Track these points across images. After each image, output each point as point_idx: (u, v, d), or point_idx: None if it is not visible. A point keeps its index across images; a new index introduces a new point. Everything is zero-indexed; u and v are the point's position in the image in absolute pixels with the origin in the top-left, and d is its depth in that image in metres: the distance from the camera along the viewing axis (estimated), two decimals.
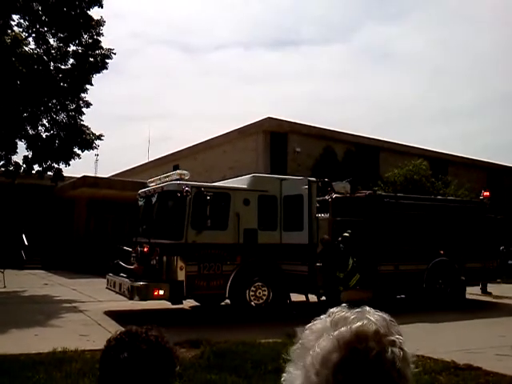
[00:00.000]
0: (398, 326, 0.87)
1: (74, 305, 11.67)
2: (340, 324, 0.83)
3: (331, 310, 0.90)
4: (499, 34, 67.81)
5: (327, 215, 11.39)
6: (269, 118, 23.75)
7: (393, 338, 0.82)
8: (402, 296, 13.24)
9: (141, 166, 34.15)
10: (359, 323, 0.82)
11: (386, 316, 0.87)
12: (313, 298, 10.89)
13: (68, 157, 16.11)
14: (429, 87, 69.51)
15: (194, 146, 28.29)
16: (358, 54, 73.71)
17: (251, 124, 24.11)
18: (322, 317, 0.89)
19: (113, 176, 31.83)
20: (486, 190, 15.11)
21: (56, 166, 16.18)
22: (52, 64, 15.90)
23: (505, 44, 69.25)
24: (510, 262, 19.36)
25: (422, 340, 7.47)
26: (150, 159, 33.82)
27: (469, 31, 69.77)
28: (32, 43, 15.80)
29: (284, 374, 0.87)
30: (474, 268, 12.79)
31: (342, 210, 11.62)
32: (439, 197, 16.73)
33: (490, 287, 14.47)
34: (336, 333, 0.81)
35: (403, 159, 23.93)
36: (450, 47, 67.81)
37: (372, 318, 0.84)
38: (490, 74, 67.86)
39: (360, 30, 72.23)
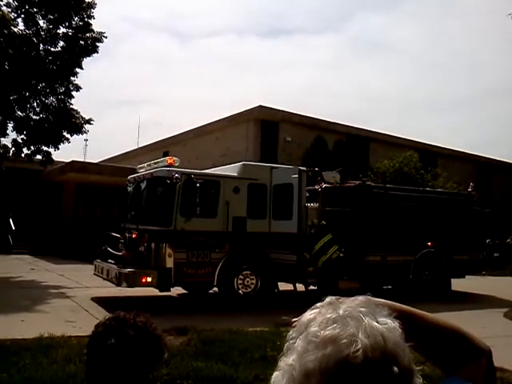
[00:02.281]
0: (402, 339, 0.73)
1: (61, 290, 11.61)
2: (328, 339, 0.71)
3: (326, 302, 0.80)
4: (491, 29, 67.95)
5: (316, 205, 11.42)
6: (260, 106, 23.67)
7: (395, 368, 0.69)
8: (389, 287, 13.34)
9: (131, 151, 33.93)
10: (347, 344, 0.69)
11: (388, 327, 0.73)
12: (301, 287, 10.95)
13: (57, 140, 15.93)
14: (420, 78, 69.61)
15: (184, 132, 28.14)
16: (351, 44, 73.68)
17: (243, 112, 24.01)
18: (318, 308, 0.79)
19: (102, 161, 31.58)
20: (473, 183, 15.24)
21: (45, 149, 16.01)
22: (41, 46, 15.65)
23: (495, 39, 69.41)
24: (495, 254, 19.60)
25: None
26: (140, 145, 33.64)
27: (461, 24, 69.84)
28: (21, 24, 15.52)
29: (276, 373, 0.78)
30: (461, 260, 12.90)
31: (332, 200, 11.65)
32: (428, 189, 16.84)
33: (475, 279, 14.64)
34: (320, 355, 0.69)
35: (393, 150, 24.02)
36: (442, 39, 67.83)
37: (366, 334, 0.70)
38: (480, 68, 68.09)
39: (353, 20, 72.03)
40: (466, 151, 31.04)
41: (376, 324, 0.72)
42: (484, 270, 15.75)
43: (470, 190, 14.68)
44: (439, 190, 17.76)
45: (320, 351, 0.70)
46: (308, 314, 0.79)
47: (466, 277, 13.21)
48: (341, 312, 0.75)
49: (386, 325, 0.74)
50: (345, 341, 0.69)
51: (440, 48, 69.86)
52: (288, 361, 0.74)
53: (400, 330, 0.75)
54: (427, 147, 28.28)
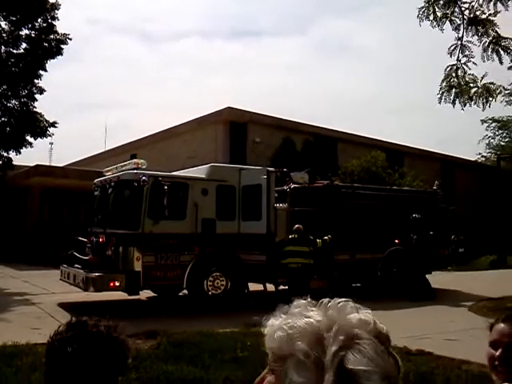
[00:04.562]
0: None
1: (25, 297, 11.32)
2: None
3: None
4: (452, 33, 69.50)
5: (285, 205, 11.49)
6: (229, 107, 23.64)
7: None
8: (358, 285, 13.52)
9: (98, 155, 33.36)
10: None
11: None
12: (271, 287, 10.99)
13: (19, 145, 15.57)
14: (384, 81, 70.89)
15: (152, 135, 27.85)
16: (317, 47, 74.43)
17: (211, 113, 23.93)
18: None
19: (69, 165, 30.98)
20: (439, 181, 15.60)
21: (5, 154, 15.60)
22: (3, 48, 15.27)
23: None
24: (460, 250, 20.06)
25: None
26: (108, 148, 33.13)
27: (423, 28, 71.26)
28: None
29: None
30: (438, 256, 13.18)
31: (300, 200, 11.74)
32: (395, 187, 17.14)
33: (441, 275, 14.98)
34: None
35: (361, 150, 24.34)
36: (405, 43, 69.25)
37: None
38: (439, 71, 69.60)
39: (319, 23, 72.81)
40: (430, 150, 31.74)
41: None
42: (450, 265, 16.11)
43: (435, 187, 15.03)
44: (406, 188, 18.10)
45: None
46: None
47: (433, 272, 13.49)
48: None
49: None
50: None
51: (402, 51, 71.36)
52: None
53: None
54: (394, 147, 28.76)
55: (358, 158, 23.06)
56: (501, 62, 8.57)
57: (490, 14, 8.29)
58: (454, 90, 9.00)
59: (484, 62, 8.62)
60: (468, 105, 9.02)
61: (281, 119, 24.99)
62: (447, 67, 9.02)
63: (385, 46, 70.35)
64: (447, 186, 21.83)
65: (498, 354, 1.70)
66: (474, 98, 8.90)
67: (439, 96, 9.22)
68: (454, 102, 9.13)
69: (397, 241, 12.74)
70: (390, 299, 11.33)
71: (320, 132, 26.24)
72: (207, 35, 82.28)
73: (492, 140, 37.44)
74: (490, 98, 8.86)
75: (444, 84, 9.08)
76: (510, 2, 7.99)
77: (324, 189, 12.44)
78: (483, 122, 36.42)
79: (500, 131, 37.10)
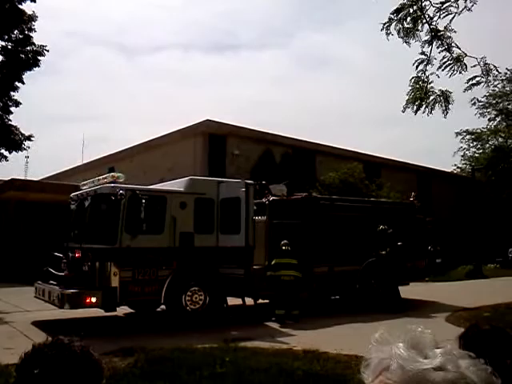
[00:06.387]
0: None
1: None
2: None
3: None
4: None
5: (264, 218, 11.48)
6: (208, 120, 23.63)
7: None
8: (337, 297, 13.55)
9: (74, 168, 32.94)
10: None
11: None
12: (250, 301, 10.93)
13: None
14: (364, 93, 71.91)
15: (130, 147, 27.65)
16: (296, 60, 75.18)
17: (190, 126, 23.89)
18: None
19: (45, 179, 30.51)
20: (415, 192, 15.79)
21: None
22: None
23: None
24: (437, 260, 20.32)
25: (353, 339, 7.66)
26: (85, 161, 32.74)
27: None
28: None
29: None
30: (406, 267, 13.26)
31: (279, 213, 11.75)
32: (372, 199, 17.30)
33: (419, 286, 15.11)
34: None
35: (339, 162, 24.57)
36: (383, 55, 70.50)
37: None
38: None
39: (297, 36, 73.59)
40: (407, 161, 32.19)
41: None
42: (427, 276, 16.27)
43: (412, 198, 15.21)
44: (383, 199, 18.30)
45: None
46: None
47: (410, 283, 13.59)
48: None
49: None
50: None
51: (381, 63, 72.57)
52: None
53: None
54: (371, 158, 29.11)
55: (336, 171, 23.26)
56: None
57: (446, 29, 8.48)
58: (417, 101, 9.18)
59: (450, 77, 8.81)
60: (428, 113, 9.22)
61: (260, 132, 25.09)
62: (412, 78, 9.20)
63: (364, 58, 71.52)
64: (424, 197, 22.12)
65: None
66: (432, 105, 9.10)
67: (404, 106, 9.39)
68: (416, 111, 9.32)
69: (374, 253, 12.81)
70: (368, 311, 11.37)
71: (299, 144, 26.41)
72: (186, 48, 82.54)
73: (467, 152, 38.19)
74: (449, 105, 9.06)
75: (411, 95, 9.25)
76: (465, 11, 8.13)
77: (303, 201, 12.48)
78: (457, 134, 37.18)
79: (474, 143, 37.87)
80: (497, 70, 8.82)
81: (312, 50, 72.20)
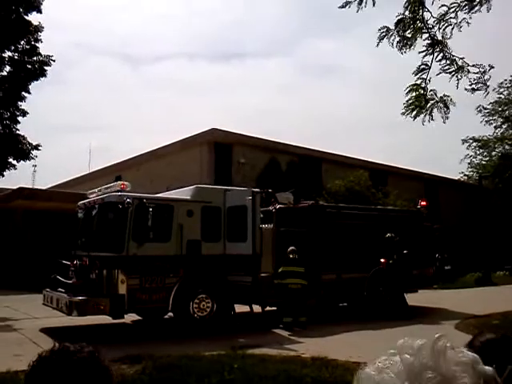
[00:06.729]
0: None
1: (7, 323, 11.05)
2: None
3: None
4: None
5: (271, 226, 11.49)
6: (214, 128, 23.73)
7: None
8: (345, 304, 13.49)
9: (81, 177, 33.11)
10: None
11: None
12: (257, 308, 10.91)
13: (2, 167, 15.41)
14: (369, 100, 71.86)
15: (137, 156, 27.79)
16: (302, 68, 75.36)
17: (196, 135, 24.00)
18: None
19: (52, 187, 30.66)
20: (422, 200, 15.73)
21: None
22: None
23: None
24: (446, 267, 20.16)
25: (361, 347, 7.63)
26: (92, 170, 32.92)
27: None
28: None
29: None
30: (413, 275, 13.18)
31: (286, 221, 11.76)
32: (379, 207, 17.26)
33: (427, 293, 15.02)
34: None
35: (345, 170, 24.55)
36: (389, 62, 70.55)
37: None
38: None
39: (302, 45, 73.82)
40: (413, 169, 32.12)
41: None
42: (436, 283, 16.16)
43: (419, 206, 15.16)
44: (390, 207, 18.24)
45: None
46: None
47: (419, 291, 13.51)
48: None
49: None
50: None
51: (384, 71, 72.54)
52: None
53: None
54: (377, 166, 29.06)
55: (342, 179, 23.23)
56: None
57: (444, 38, 8.49)
58: (416, 109, 9.18)
59: (450, 81, 8.80)
60: (429, 119, 9.20)
61: (266, 140, 25.15)
62: (407, 87, 9.20)
63: (370, 65, 71.54)
64: (431, 205, 22.01)
65: None
66: (431, 111, 9.09)
67: (403, 112, 9.38)
68: (415, 118, 9.32)
69: (383, 260, 12.76)
70: (376, 319, 11.31)
71: (305, 153, 26.44)
72: (191, 57, 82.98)
73: (474, 159, 38.04)
74: (448, 110, 9.04)
75: (410, 101, 9.24)
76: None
77: (309, 209, 12.48)
78: (464, 141, 37.06)
79: (481, 150, 37.72)
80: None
81: (318, 57, 72.30)
